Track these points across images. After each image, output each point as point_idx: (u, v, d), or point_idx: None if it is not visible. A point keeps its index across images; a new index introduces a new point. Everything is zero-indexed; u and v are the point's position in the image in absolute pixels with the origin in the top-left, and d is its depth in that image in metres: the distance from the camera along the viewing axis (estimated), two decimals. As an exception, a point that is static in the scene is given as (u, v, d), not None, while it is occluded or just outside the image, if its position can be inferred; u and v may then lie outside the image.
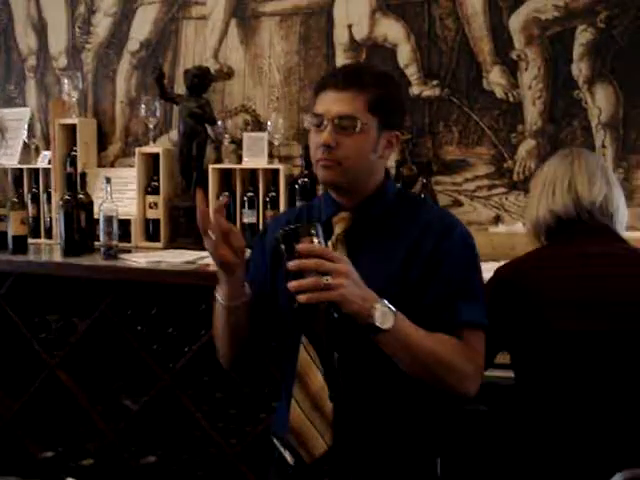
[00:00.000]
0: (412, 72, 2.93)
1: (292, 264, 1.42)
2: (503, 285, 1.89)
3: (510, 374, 1.97)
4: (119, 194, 3.07)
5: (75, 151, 3.28)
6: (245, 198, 2.96)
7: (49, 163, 3.32)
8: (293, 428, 1.65)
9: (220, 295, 1.66)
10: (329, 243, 1.61)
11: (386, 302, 1.47)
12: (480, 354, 1.61)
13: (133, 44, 3.38)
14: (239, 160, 3.06)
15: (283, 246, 1.45)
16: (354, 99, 1.60)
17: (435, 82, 2.91)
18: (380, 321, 1.46)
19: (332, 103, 1.61)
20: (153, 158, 3.15)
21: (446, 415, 1.75)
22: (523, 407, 1.91)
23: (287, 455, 1.67)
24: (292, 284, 1.41)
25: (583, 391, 1.78)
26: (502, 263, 2.02)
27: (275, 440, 1.73)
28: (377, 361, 1.56)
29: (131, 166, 3.24)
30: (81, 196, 3.00)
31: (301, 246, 1.42)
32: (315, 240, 1.44)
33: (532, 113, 2.80)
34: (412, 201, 1.81)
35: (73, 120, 3.30)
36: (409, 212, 1.70)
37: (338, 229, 1.67)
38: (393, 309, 1.47)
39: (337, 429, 1.61)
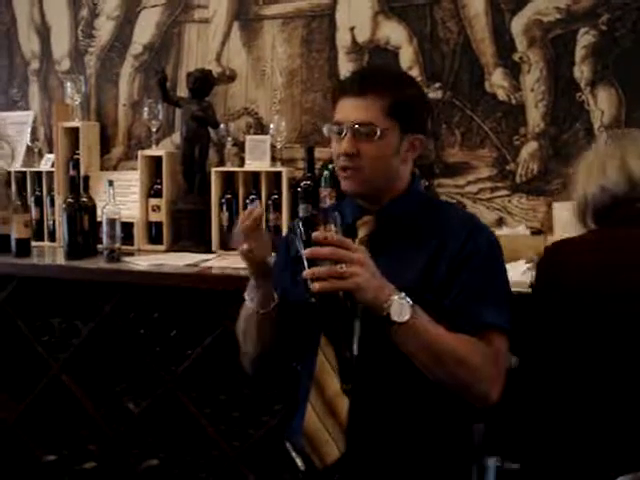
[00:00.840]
0: (414, 75, 2.90)
1: (307, 251, 1.42)
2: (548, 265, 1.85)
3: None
4: (122, 197, 3.08)
5: (78, 154, 3.28)
6: (248, 201, 2.96)
7: (52, 166, 3.32)
8: (307, 433, 1.64)
9: (251, 301, 1.66)
10: None
11: (403, 295, 1.46)
12: (502, 356, 1.58)
13: (136, 47, 3.39)
14: (241, 163, 3.06)
15: (300, 233, 1.45)
16: (371, 105, 1.59)
17: (437, 85, 2.91)
18: (396, 313, 1.44)
19: (350, 110, 1.61)
20: (156, 161, 3.15)
21: (461, 426, 1.74)
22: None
23: (298, 460, 1.67)
24: (307, 272, 1.41)
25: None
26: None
27: (288, 445, 1.73)
28: (394, 368, 1.56)
29: (134, 169, 3.24)
30: (84, 199, 3.00)
31: (316, 233, 1.42)
32: (332, 228, 1.45)
33: (534, 115, 2.80)
34: (438, 205, 1.81)
35: (76, 123, 3.30)
36: (434, 216, 1.69)
37: (362, 232, 1.67)
38: (410, 302, 1.46)
39: (351, 436, 1.60)
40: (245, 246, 1.58)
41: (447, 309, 1.56)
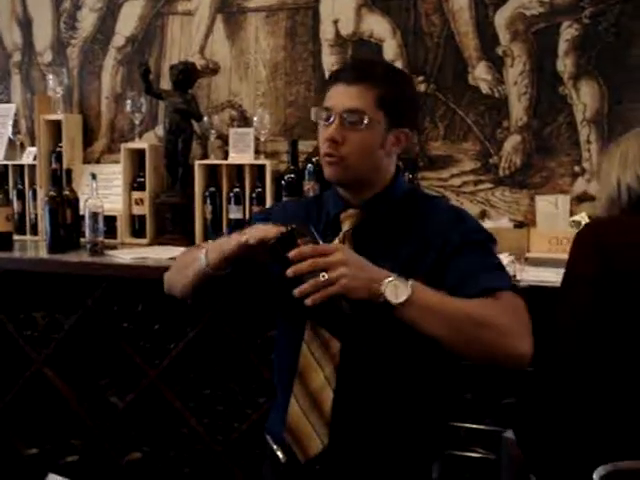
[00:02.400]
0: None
1: (289, 271, 1.42)
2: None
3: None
4: (105, 190, 3.07)
5: (60, 147, 3.26)
6: (231, 194, 2.96)
7: (34, 159, 3.30)
8: (290, 425, 1.64)
9: (206, 258, 1.64)
10: (336, 239, 1.62)
11: (396, 275, 1.44)
12: (521, 308, 1.51)
13: (119, 40, 3.37)
14: (225, 156, 3.05)
15: (276, 257, 1.47)
16: (363, 93, 1.59)
17: (421, 78, 2.91)
18: (393, 296, 1.42)
19: (341, 97, 1.60)
20: (139, 154, 3.14)
21: (443, 420, 1.74)
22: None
23: (279, 453, 1.68)
24: (295, 292, 1.41)
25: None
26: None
27: (268, 437, 1.73)
28: (378, 362, 1.56)
29: (117, 162, 3.22)
30: (66, 192, 2.98)
31: (291, 254, 1.43)
32: (305, 240, 1.45)
33: (517, 109, 2.81)
34: (423, 198, 1.78)
35: (58, 116, 3.28)
36: (418, 209, 1.68)
37: (345, 226, 1.66)
38: (405, 280, 1.43)
39: (334, 429, 1.60)
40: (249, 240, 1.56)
41: (447, 289, 1.51)
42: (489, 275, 1.54)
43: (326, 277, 1.40)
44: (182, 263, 1.80)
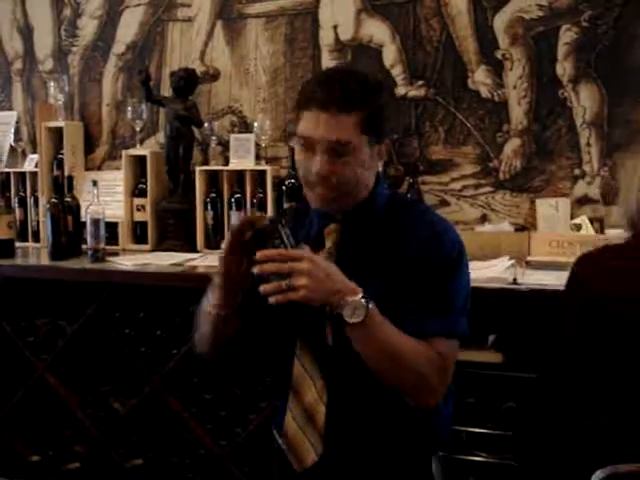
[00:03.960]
0: (398, 72, 2.94)
1: (255, 269, 1.45)
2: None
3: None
4: (106, 197, 3.08)
5: (62, 154, 3.27)
6: (232, 200, 2.96)
7: (36, 166, 3.31)
8: (287, 437, 1.67)
9: (211, 302, 1.64)
10: (320, 254, 1.60)
11: (360, 295, 1.46)
12: (449, 359, 1.58)
13: (119, 47, 3.38)
14: (226, 162, 3.06)
15: (249, 254, 1.50)
16: (348, 123, 1.53)
17: (420, 82, 2.91)
18: (348, 315, 1.45)
19: (323, 127, 1.53)
20: (140, 161, 3.15)
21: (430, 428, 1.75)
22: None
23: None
24: (260, 289, 1.45)
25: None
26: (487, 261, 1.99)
27: (275, 432, 1.74)
28: (370, 375, 1.56)
29: (118, 169, 3.23)
30: (68, 199, 2.99)
31: (258, 254, 1.45)
32: (278, 242, 1.47)
33: (517, 112, 2.81)
34: (403, 206, 1.73)
35: (60, 123, 3.29)
36: (399, 219, 1.66)
37: (328, 243, 1.66)
38: (366, 304, 1.45)
39: (328, 441, 1.62)
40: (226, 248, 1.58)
41: (401, 314, 1.55)
42: (435, 319, 1.56)
43: (290, 283, 1.42)
44: (199, 322, 1.77)
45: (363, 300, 1.46)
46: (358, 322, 1.45)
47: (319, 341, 1.60)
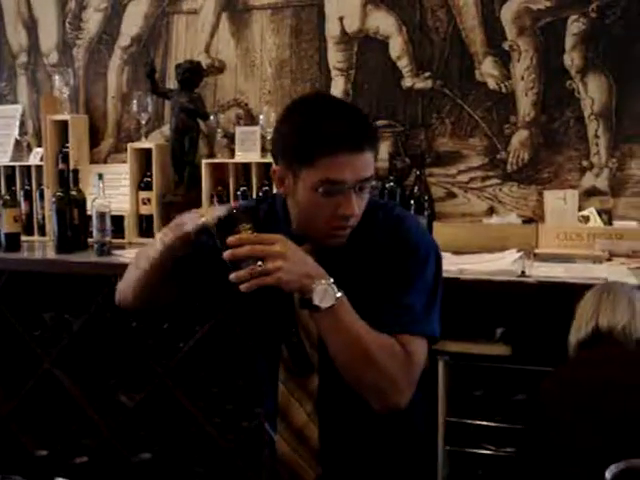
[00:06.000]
0: (404, 64, 2.92)
1: (226, 254, 1.40)
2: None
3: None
4: (112, 190, 3.06)
5: (67, 147, 3.26)
6: (238, 192, 2.96)
7: (41, 160, 3.30)
8: (282, 461, 1.65)
9: (163, 241, 1.61)
10: None
11: (331, 282, 1.43)
12: (416, 359, 1.52)
13: (124, 39, 3.37)
14: (232, 154, 3.05)
15: (217, 238, 1.44)
16: (370, 159, 1.49)
17: (427, 74, 2.90)
18: (319, 299, 1.41)
19: (353, 168, 1.46)
20: (146, 154, 3.14)
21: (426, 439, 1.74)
22: None
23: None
24: (231, 277, 1.40)
25: None
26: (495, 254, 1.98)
27: (267, 425, 1.74)
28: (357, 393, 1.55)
29: (124, 162, 3.22)
30: (74, 193, 2.98)
31: (230, 239, 1.41)
32: (245, 227, 1.42)
33: (525, 104, 2.80)
34: (367, 213, 1.60)
35: (65, 116, 3.28)
36: (363, 227, 1.58)
37: None
38: (337, 291, 1.43)
39: (324, 459, 1.61)
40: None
41: (373, 315, 1.50)
42: (404, 316, 1.51)
43: (264, 266, 1.38)
44: (132, 266, 1.75)
45: (333, 287, 1.43)
46: (327, 307, 1.42)
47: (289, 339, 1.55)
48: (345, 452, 1.62)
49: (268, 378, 1.66)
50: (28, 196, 3.33)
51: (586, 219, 2.67)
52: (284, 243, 1.42)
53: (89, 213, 2.93)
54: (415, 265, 1.56)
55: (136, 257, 1.75)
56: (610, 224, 2.66)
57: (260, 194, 2.91)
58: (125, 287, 1.77)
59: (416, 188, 2.80)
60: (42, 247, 3.15)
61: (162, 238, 1.62)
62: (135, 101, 3.14)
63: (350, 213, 1.49)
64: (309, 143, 1.46)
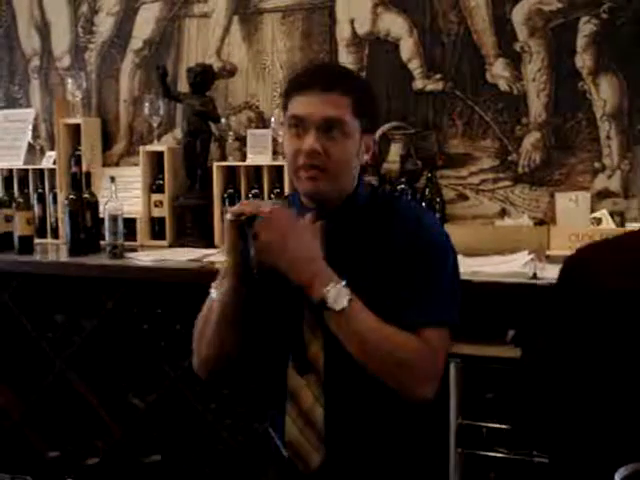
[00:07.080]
0: (415, 66, 2.92)
1: (228, 212, 1.57)
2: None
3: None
4: (124, 193, 3.07)
5: (80, 151, 3.28)
6: (250, 195, 2.96)
7: (54, 163, 3.32)
8: (289, 443, 1.66)
9: (221, 289, 1.65)
10: None
11: (344, 283, 1.47)
12: (441, 354, 1.55)
13: (136, 43, 3.38)
14: (243, 157, 3.06)
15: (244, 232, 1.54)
16: (341, 101, 1.54)
17: (438, 76, 2.90)
18: (332, 300, 1.45)
19: (316, 105, 1.53)
20: (158, 157, 3.15)
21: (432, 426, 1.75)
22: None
23: (283, 451, 1.70)
24: (233, 209, 1.57)
25: None
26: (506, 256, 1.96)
27: (272, 432, 1.75)
28: (365, 376, 1.55)
29: (136, 165, 3.24)
30: (86, 195, 3.00)
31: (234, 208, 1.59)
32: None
33: (536, 105, 2.79)
34: (386, 201, 1.72)
35: (77, 120, 3.30)
36: (383, 214, 1.64)
37: None
38: (348, 291, 1.46)
39: (329, 444, 1.63)
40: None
41: (390, 307, 1.53)
42: (426, 307, 1.54)
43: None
44: (198, 326, 1.77)
45: (345, 288, 1.47)
46: (341, 309, 1.46)
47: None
48: (350, 438, 1.63)
49: (275, 364, 1.68)
50: (41, 199, 3.35)
51: (598, 221, 2.65)
52: (288, 219, 1.53)
53: (101, 216, 2.94)
54: (437, 257, 1.60)
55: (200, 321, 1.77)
56: (622, 226, 2.64)
57: (272, 197, 2.92)
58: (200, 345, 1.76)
59: (427, 190, 2.80)
60: (55, 250, 3.17)
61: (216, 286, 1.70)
62: (147, 104, 3.15)
63: (307, 148, 1.53)
64: (286, 90, 1.65)
